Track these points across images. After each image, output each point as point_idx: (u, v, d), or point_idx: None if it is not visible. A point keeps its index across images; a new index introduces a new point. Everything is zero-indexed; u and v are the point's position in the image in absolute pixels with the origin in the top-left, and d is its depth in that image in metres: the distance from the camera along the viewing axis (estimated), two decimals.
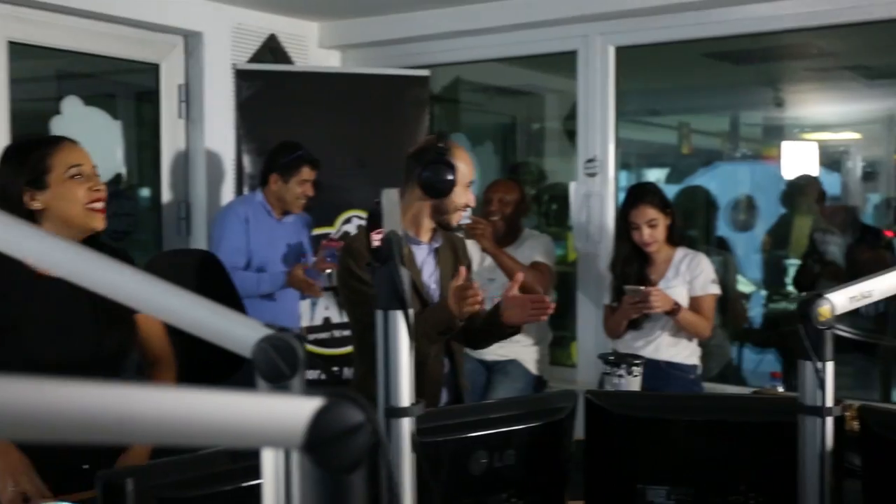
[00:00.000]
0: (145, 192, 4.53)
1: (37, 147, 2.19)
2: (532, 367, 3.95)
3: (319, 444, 0.69)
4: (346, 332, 4.09)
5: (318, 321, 4.28)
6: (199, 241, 4.35)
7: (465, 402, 2.78)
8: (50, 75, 4.29)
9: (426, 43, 4.69)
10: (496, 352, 3.86)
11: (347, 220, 4.40)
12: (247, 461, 1.27)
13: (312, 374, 4.25)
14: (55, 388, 0.62)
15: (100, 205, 2.18)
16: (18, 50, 3.76)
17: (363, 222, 4.37)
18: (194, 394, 0.66)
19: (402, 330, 1.37)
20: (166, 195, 4.38)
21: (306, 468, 0.70)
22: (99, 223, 2.18)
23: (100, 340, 2.21)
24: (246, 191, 4.27)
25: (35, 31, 3.81)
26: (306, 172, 3.80)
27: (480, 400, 3.74)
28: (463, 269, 2.46)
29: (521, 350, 3.92)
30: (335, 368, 4.31)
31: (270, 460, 1.06)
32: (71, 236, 2.16)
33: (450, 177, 2.47)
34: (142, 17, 4.06)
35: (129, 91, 4.64)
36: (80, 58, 4.14)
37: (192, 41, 4.35)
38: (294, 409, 0.69)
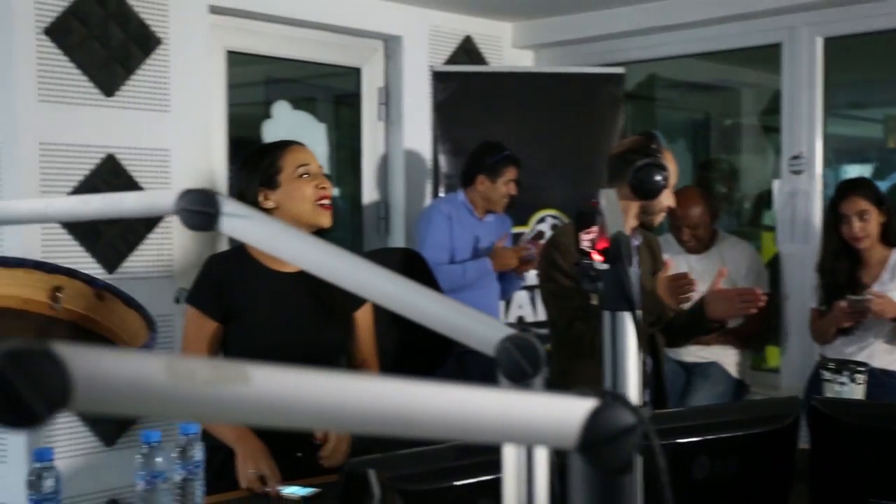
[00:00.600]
0: (345, 192, 4.70)
1: (269, 150, 2.35)
2: (733, 370, 3.83)
3: (594, 444, 0.70)
4: (541, 331, 4.10)
5: (511, 319, 4.32)
6: (398, 241, 4.47)
7: (668, 403, 2.75)
8: (259, 80, 4.52)
9: (620, 40, 4.64)
10: (696, 353, 3.78)
11: (541, 220, 4.41)
12: (482, 456, 1.30)
13: None
14: (335, 380, 0.65)
15: (327, 202, 2.29)
16: (233, 57, 3.98)
17: (557, 222, 4.37)
18: (472, 391, 0.68)
19: (630, 331, 1.36)
20: (366, 195, 4.53)
21: (581, 468, 0.71)
22: (326, 220, 2.29)
23: (318, 335, 2.32)
24: (442, 191, 4.36)
25: (249, 40, 4.02)
26: (511, 172, 3.85)
27: (679, 403, 3.67)
28: (671, 261, 2.46)
29: (722, 353, 3.82)
30: None
31: (512, 456, 1.08)
32: None
33: (662, 179, 2.45)
34: (345, 24, 4.21)
35: (328, 94, 4.83)
36: (286, 63, 4.35)
37: (391, 45, 4.48)
38: (569, 410, 0.70)
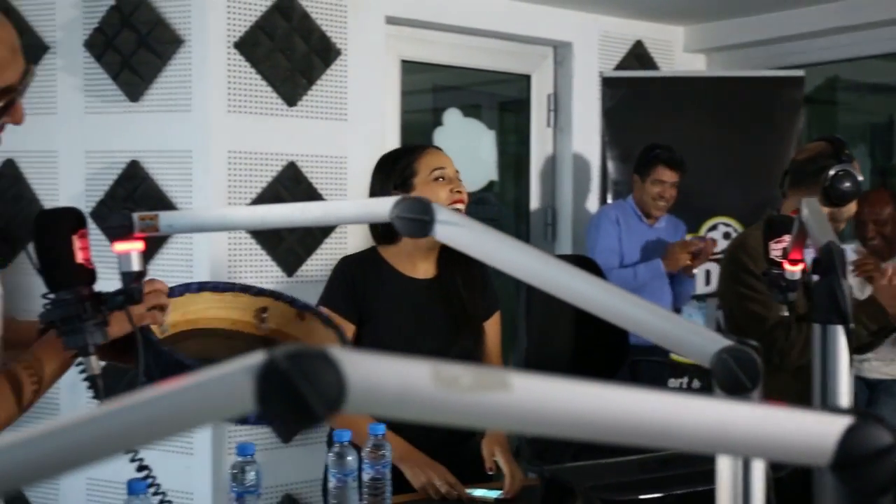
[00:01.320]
0: (511, 198, 4.72)
1: (404, 154, 2.36)
2: None
3: (850, 463, 0.67)
4: None
5: None
6: (564, 247, 4.46)
7: None
8: (427, 89, 4.60)
9: (799, 42, 4.48)
10: (881, 370, 3.59)
11: (713, 227, 4.30)
12: (682, 468, 1.27)
13: (674, 383, 4.20)
14: (592, 389, 0.65)
15: (461, 206, 2.28)
16: (404, 66, 4.07)
17: (730, 230, 4.25)
18: (727, 405, 0.67)
19: (843, 346, 1.31)
20: (534, 202, 4.53)
21: (835, 487, 0.68)
22: None
23: (451, 344, 2.32)
24: (610, 197, 4.32)
25: (423, 49, 4.10)
26: (661, 172, 3.77)
27: None
28: (891, 266, 2.37)
29: None
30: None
31: (727, 469, 1.05)
32: (428, 241, 2.31)
33: (855, 186, 2.34)
34: (516, 31, 4.23)
35: (492, 101, 4.86)
36: (453, 71, 4.41)
37: (561, 51, 4.47)
38: (823, 426, 0.68)
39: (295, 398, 0.58)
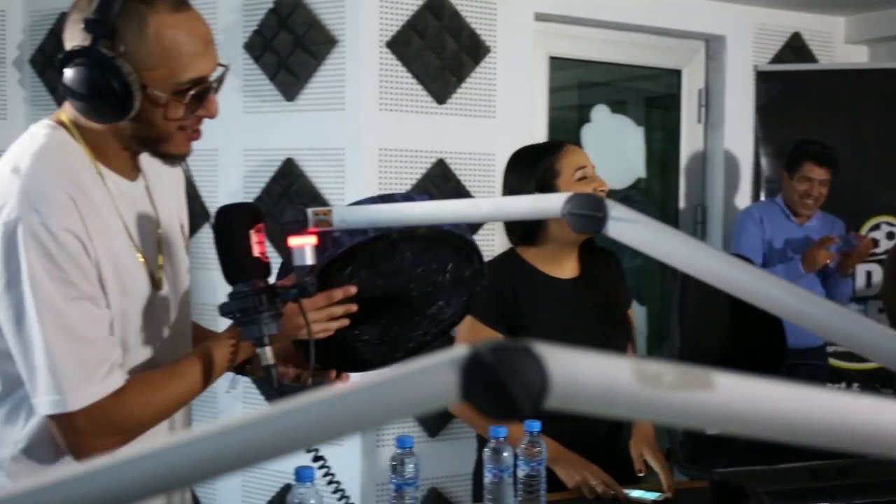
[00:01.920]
0: (659, 196, 4.63)
1: (544, 153, 2.34)
2: None
3: None
4: None
5: None
6: (715, 246, 4.35)
7: None
8: (573, 85, 4.57)
9: None
10: None
11: (875, 227, 4.11)
12: (869, 477, 1.22)
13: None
14: (797, 391, 0.63)
15: None
16: (552, 62, 4.05)
17: (894, 229, 4.06)
18: None
19: None
20: (683, 200, 4.44)
21: None
22: None
23: (606, 341, 2.30)
24: (763, 195, 4.20)
25: (571, 46, 4.08)
26: (810, 169, 3.63)
27: None
28: None
29: None
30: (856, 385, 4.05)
31: None
32: (573, 239, 2.30)
33: None
34: (665, 25, 4.16)
35: (638, 97, 4.78)
36: (599, 66, 4.36)
37: (713, 45, 4.36)
38: None
39: (499, 392, 0.58)
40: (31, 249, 1.37)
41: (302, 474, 1.58)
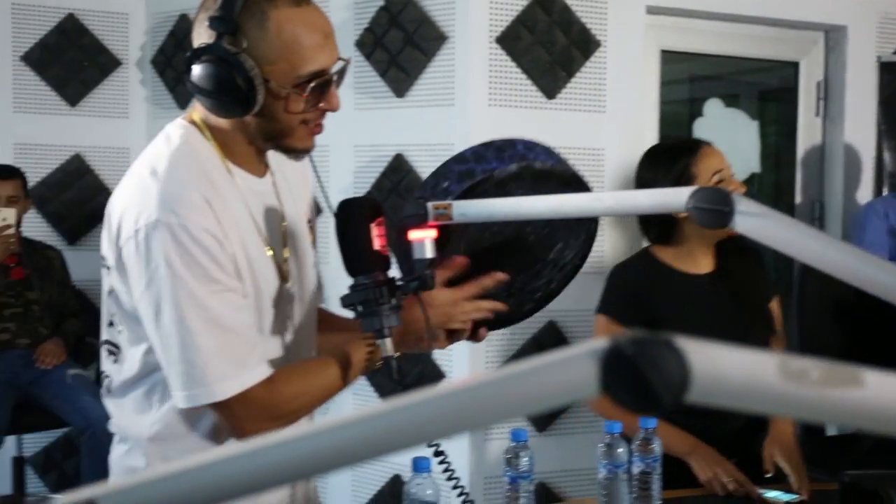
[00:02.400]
0: (773, 192, 4.52)
1: (682, 153, 2.31)
2: None
3: None
4: None
5: None
6: None
7: None
8: (685, 78, 4.48)
9: None
10: None
11: None
12: None
13: None
14: None
15: None
16: (663, 56, 3.99)
17: None
18: None
19: None
20: (799, 195, 4.32)
21: None
22: None
23: (747, 336, 2.26)
24: (885, 190, 4.05)
25: (684, 39, 4.01)
26: None
27: None
28: None
29: None
30: None
31: None
32: (709, 236, 2.25)
33: None
34: (784, 16, 4.04)
35: (751, 90, 4.66)
36: (711, 60, 4.27)
37: (833, 36, 4.22)
38: None
39: (640, 384, 0.58)
40: (171, 249, 1.42)
41: (419, 465, 1.60)
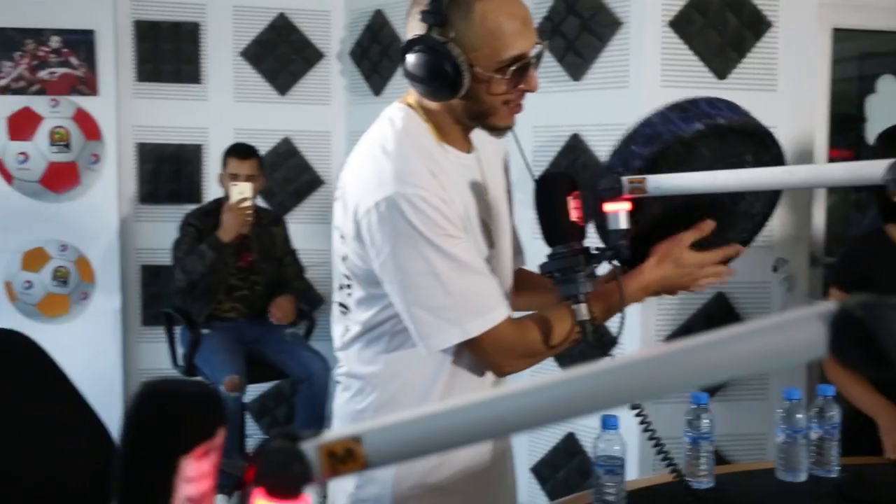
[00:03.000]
0: None
1: None
2: None
3: None
4: None
5: None
6: None
7: None
8: (857, 55, 4.22)
9: None
10: None
11: None
12: None
13: None
14: None
15: None
16: (835, 34, 3.77)
17: None
18: None
19: None
20: None
21: None
22: None
23: None
24: None
25: (856, 16, 3.77)
26: None
27: None
28: None
29: None
30: None
31: None
32: None
33: None
34: None
35: None
36: (887, 36, 3.99)
37: None
38: None
39: (870, 346, 0.56)
40: (411, 215, 1.47)
41: (608, 422, 1.59)
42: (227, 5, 4.46)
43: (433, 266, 1.47)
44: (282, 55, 4.54)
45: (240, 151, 4.01)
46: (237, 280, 4.05)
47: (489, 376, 1.63)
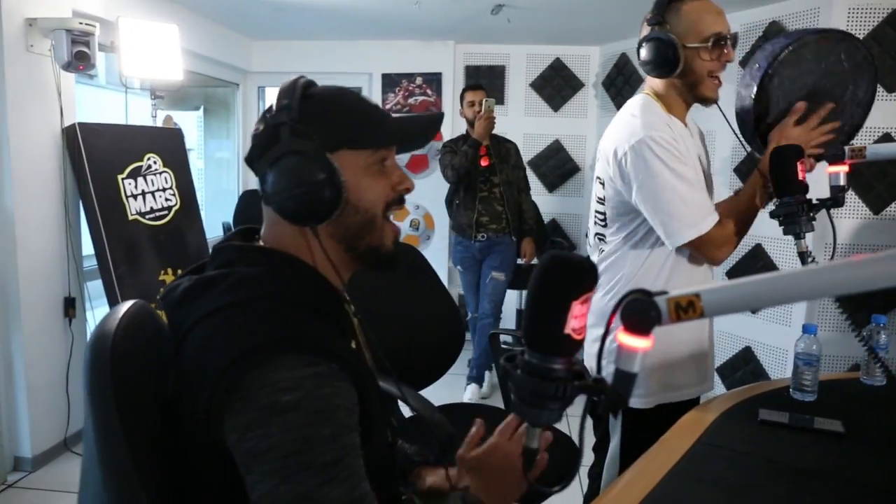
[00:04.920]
0: None
1: None
2: None
3: None
4: None
5: None
6: None
7: None
8: None
9: None
10: None
11: None
12: None
13: None
14: None
15: None
16: None
17: None
18: None
19: None
20: None
21: None
22: None
23: None
24: None
25: None
26: None
27: None
28: None
29: None
30: None
31: None
32: None
33: None
34: None
35: None
36: None
37: None
38: None
39: None
40: (657, 151, 1.50)
41: (808, 329, 1.52)
42: (522, 53, 4.68)
43: (674, 185, 1.47)
44: (556, 85, 4.68)
45: (472, 86, 3.81)
46: (480, 182, 3.73)
47: (697, 271, 1.59)
